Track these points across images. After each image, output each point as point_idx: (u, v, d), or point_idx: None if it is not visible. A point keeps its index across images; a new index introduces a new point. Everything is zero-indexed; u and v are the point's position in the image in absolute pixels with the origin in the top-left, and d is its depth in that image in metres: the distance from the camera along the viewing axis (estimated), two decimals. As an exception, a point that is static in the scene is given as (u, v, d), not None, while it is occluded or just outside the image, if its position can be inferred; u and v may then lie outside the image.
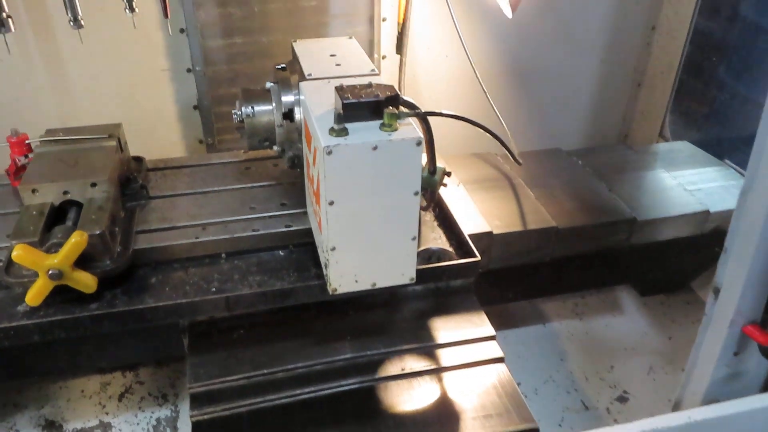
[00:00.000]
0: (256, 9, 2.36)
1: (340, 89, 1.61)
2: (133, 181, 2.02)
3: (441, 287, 2.03)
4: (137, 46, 2.44)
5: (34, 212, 1.74)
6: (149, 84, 2.53)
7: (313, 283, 1.79)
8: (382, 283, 1.72)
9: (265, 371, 1.75)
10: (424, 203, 1.96)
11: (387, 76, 2.73)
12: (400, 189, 1.57)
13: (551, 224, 2.23)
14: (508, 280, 2.38)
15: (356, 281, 1.69)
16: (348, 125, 1.54)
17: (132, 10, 2.08)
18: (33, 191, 1.77)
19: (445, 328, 1.92)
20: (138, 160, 2.23)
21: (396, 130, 1.54)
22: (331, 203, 1.54)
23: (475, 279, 2.04)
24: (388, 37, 2.67)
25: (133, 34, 2.30)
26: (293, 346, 1.84)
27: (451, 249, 2.01)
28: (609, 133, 3.48)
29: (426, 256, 2.01)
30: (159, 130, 2.66)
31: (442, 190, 2.19)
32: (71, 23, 1.98)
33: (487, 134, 2.01)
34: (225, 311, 1.76)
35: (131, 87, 2.53)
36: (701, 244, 2.47)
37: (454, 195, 2.29)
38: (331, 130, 1.51)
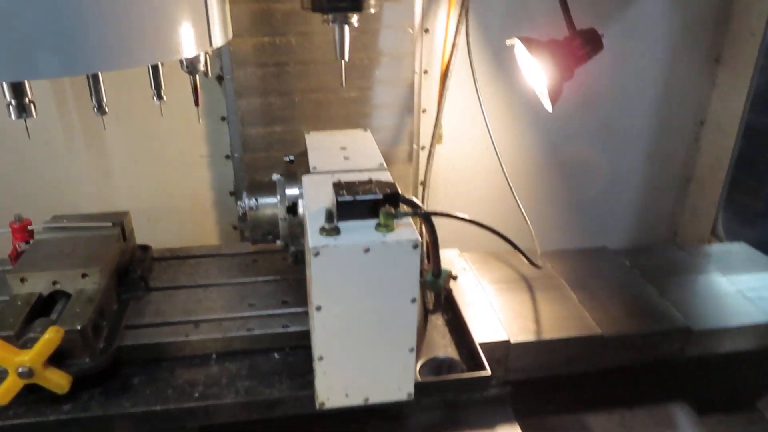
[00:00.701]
0: (297, 99, 2.39)
1: (337, 185, 1.52)
2: (132, 271, 1.95)
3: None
4: (178, 133, 2.47)
5: (19, 302, 1.67)
6: (187, 169, 2.55)
7: (303, 393, 1.62)
8: (376, 398, 1.54)
9: None
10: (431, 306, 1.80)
11: (424, 167, 2.65)
12: (396, 295, 1.43)
13: (596, 331, 2.00)
14: (549, 391, 2.13)
15: (347, 395, 1.52)
16: (342, 224, 1.43)
17: (160, 98, 2.07)
18: (22, 280, 1.71)
19: None
20: (144, 248, 2.18)
21: (392, 230, 1.42)
22: (318, 309, 1.41)
23: (510, 389, 1.83)
24: (428, 128, 2.61)
25: (175, 121, 2.35)
26: None
27: (460, 359, 1.82)
28: (657, 231, 3.27)
29: (434, 365, 1.82)
30: (195, 215, 2.64)
31: (459, 293, 2.04)
32: (95, 110, 1.98)
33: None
34: (204, 421, 1.60)
35: (170, 172, 2.54)
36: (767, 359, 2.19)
37: (472, 297, 2.12)
38: (322, 229, 1.41)
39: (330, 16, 1.73)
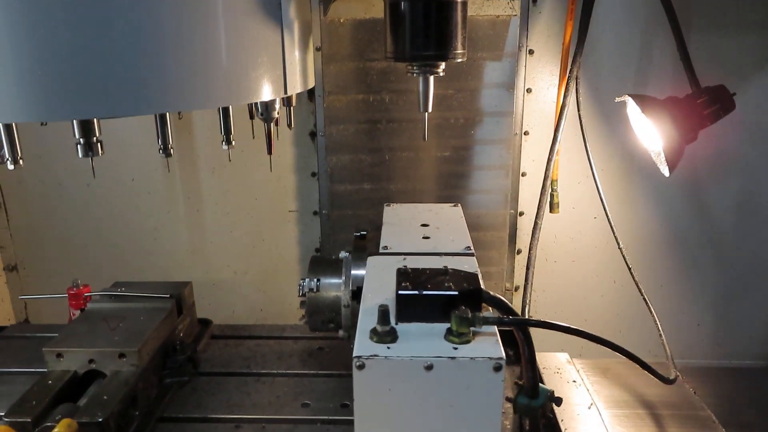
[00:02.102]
0: (387, 157, 2.30)
1: (402, 273, 1.20)
2: (181, 351, 1.73)
3: None
4: (269, 188, 2.49)
5: (50, 381, 1.49)
6: (276, 223, 2.55)
7: None
8: None
9: None
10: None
11: (522, 235, 2.40)
12: (470, 430, 1.05)
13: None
14: None
15: None
16: (401, 327, 1.10)
17: (229, 143, 1.93)
18: (58, 356, 1.54)
19: None
20: (205, 323, 1.97)
21: (468, 342, 1.06)
22: (363, 438, 1.06)
23: None
24: (528, 192, 2.38)
25: (267, 177, 2.42)
26: None
27: None
28: None
29: None
30: (280, 269, 2.60)
31: (566, 416, 1.60)
32: (160, 151, 1.86)
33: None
34: None
35: (258, 224, 2.55)
36: None
37: (584, 426, 1.65)
38: (373, 332, 1.08)
39: (414, 66, 1.47)
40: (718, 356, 2.49)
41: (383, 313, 1.07)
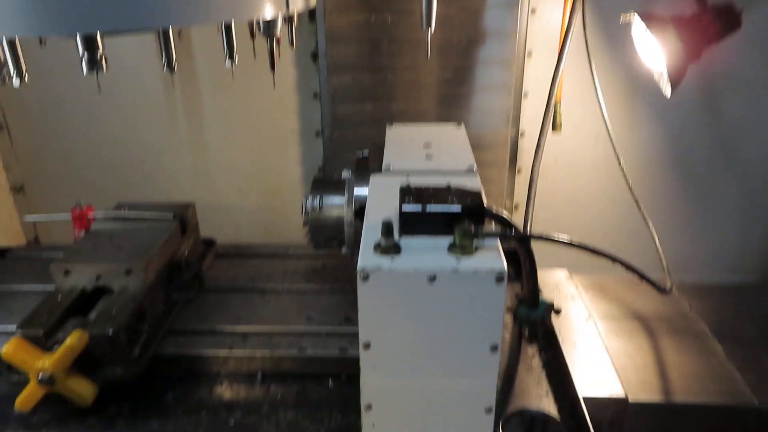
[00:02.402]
0: (389, 77, 2.27)
1: (405, 190, 1.20)
2: (186, 268, 1.75)
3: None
4: (271, 107, 2.49)
5: (59, 297, 1.53)
6: (278, 143, 2.56)
7: (353, 440, 1.33)
8: (440, 464, 1.20)
9: None
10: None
11: (523, 155, 2.43)
12: (471, 341, 1.08)
13: (749, 401, 1.52)
14: None
15: (401, 456, 1.19)
16: (405, 241, 1.11)
17: (231, 58, 1.88)
18: (66, 272, 1.57)
19: None
20: (209, 243, 2.00)
21: (471, 254, 1.07)
22: (367, 346, 1.10)
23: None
24: (530, 113, 2.38)
25: (269, 96, 2.43)
26: None
27: (558, 415, 1.43)
28: None
29: (523, 421, 1.44)
30: (283, 189, 2.64)
31: (564, 327, 1.65)
32: (165, 67, 1.82)
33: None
34: (232, 459, 1.35)
35: (261, 144, 2.57)
36: None
37: (581, 336, 1.70)
38: (377, 246, 1.09)
39: (417, -22, 1.41)
40: (712, 271, 2.55)
41: (387, 227, 1.08)
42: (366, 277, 1.04)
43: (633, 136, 2.39)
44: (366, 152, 1.65)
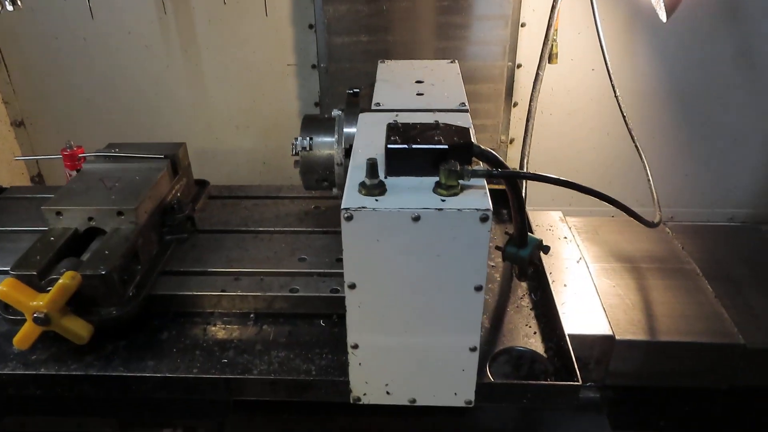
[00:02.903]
0: (385, 7, 2.21)
1: (392, 128, 1.17)
2: (178, 210, 1.75)
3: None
4: (267, 40, 2.45)
5: (52, 238, 1.53)
6: (275, 78, 2.53)
7: (341, 378, 1.35)
8: (425, 400, 1.23)
9: None
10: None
11: (519, 87, 2.38)
12: (455, 281, 1.08)
13: (735, 340, 1.54)
14: (663, 405, 1.71)
15: (388, 393, 1.22)
16: (390, 180, 1.10)
17: None
18: (57, 213, 1.57)
19: None
20: (202, 184, 1.99)
21: (456, 194, 1.06)
22: (352, 287, 1.10)
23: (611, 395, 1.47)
24: (527, 44, 2.33)
25: (264, 28, 2.40)
26: None
27: (546, 355, 1.45)
28: None
29: (510, 359, 1.47)
30: (281, 124, 2.63)
31: (555, 268, 1.65)
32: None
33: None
34: (226, 396, 1.39)
35: (258, 79, 2.54)
36: None
37: (572, 275, 1.71)
38: (362, 185, 1.08)
39: None
40: (702, 205, 2.55)
41: (371, 167, 1.07)
42: (350, 218, 1.04)
43: (629, 68, 2.34)
44: (356, 89, 1.60)
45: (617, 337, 1.53)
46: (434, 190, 1.07)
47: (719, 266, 1.76)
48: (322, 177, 1.59)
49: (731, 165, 2.56)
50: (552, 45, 2.14)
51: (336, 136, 1.53)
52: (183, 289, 1.55)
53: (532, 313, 1.56)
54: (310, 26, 2.38)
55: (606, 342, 1.54)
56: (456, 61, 1.72)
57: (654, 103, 2.41)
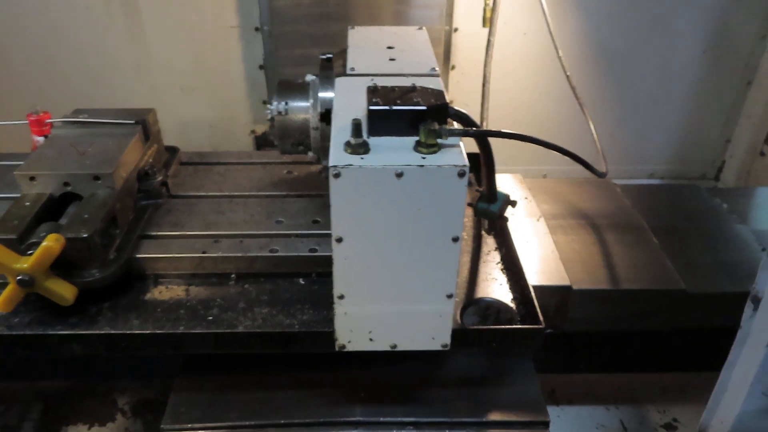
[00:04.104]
0: None
1: (372, 91, 1.24)
2: (152, 175, 1.77)
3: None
4: (209, 1, 2.46)
5: (27, 203, 1.53)
6: (218, 40, 2.55)
7: (325, 330, 1.43)
8: (406, 345, 1.33)
9: (253, 422, 1.46)
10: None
11: (459, 53, 2.50)
12: (435, 232, 1.17)
13: (678, 285, 1.68)
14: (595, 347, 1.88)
15: (371, 339, 1.32)
16: (373, 140, 1.17)
17: None
18: (31, 179, 1.57)
19: (484, 401, 1.53)
20: (172, 150, 2.00)
21: (435, 152, 1.14)
22: (339, 240, 1.18)
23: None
24: (463, 9, 2.46)
25: None
26: (294, 396, 1.54)
27: (512, 304, 1.57)
28: (708, 135, 2.96)
29: (480, 308, 1.58)
30: (226, 88, 2.66)
31: (517, 227, 1.76)
32: None
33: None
34: (213, 349, 1.45)
35: (202, 41, 2.55)
36: None
37: (532, 232, 1.83)
38: (347, 144, 1.14)
39: None
40: (625, 162, 2.74)
41: (356, 127, 1.13)
42: (338, 175, 1.10)
43: (561, 33, 2.46)
44: (329, 54, 1.65)
45: (574, 287, 1.67)
46: (415, 149, 1.15)
47: (668, 224, 1.92)
48: (298, 141, 1.64)
49: (650, 124, 2.77)
50: (484, 9, 2.24)
51: (311, 101, 1.58)
52: (164, 252, 1.59)
53: (498, 267, 1.68)
54: None
55: (564, 292, 1.67)
56: (423, 27, 1.79)
57: (581, 65, 2.56)
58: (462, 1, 2.39)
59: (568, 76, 2.11)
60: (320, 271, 1.60)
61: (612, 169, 2.69)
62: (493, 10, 2.09)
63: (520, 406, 1.53)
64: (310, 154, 1.65)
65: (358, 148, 1.13)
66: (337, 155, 1.13)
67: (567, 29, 2.46)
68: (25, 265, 1.36)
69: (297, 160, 1.98)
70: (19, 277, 1.37)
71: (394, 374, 1.61)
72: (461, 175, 1.11)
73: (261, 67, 2.58)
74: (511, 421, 1.51)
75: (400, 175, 1.10)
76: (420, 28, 1.78)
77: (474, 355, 1.68)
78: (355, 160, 1.11)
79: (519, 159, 2.47)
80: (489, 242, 1.77)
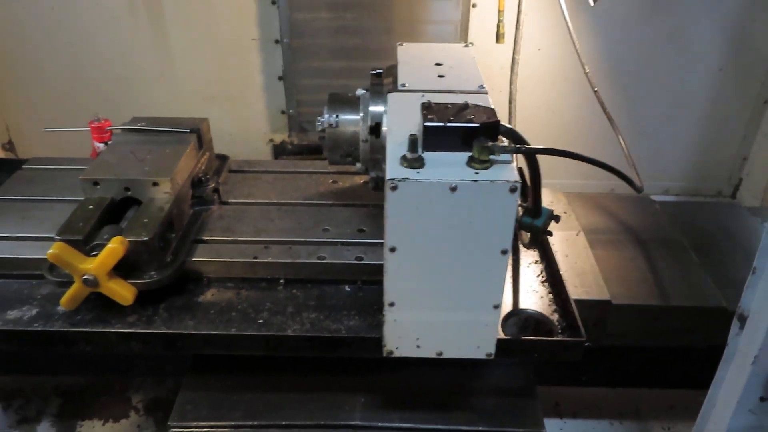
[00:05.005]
0: None
1: (426, 107, 1.29)
2: (205, 182, 1.85)
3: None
4: (231, 14, 2.55)
5: (90, 206, 1.62)
6: (240, 52, 2.64)
7: (372, 336, 1.48)
8: (451, 353, 1.37)
9: (256, 422, 1.55)
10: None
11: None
12: (485, 244, 1.22)
13: (719, 303, 1.70)
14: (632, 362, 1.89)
15: (418, 346, 1.36)
16: (427, 155, 1.22)
17: None
18: (94, 183, 1.65)
19: (481, 409, 1.58)
20: (222, 158, 2.08)
21: (487, 168, 1.19)
22: (393, 250, 1.23)
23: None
24: (478, 24, 2.51)
25: (229, 2, 2.51)
26: (296, 399, 1.61)
27: (553, 317, 1.60)
28: (725, 152, 2.93)
29: (519, 319, 1.62)
30: (246, 98, 2.75)
31: (557, 240, 1.79)
32: None
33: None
34: (264, 351, 1.51)
35: (223, 52, 2.65)
36: None
37: (571, 246, 1.86)
38: (403, 158, 1.20)
39: None
40: (641, 178, 2.76)
41: (413, 142, 1.19)
42: (395, 188, 1.16)
43: (566, 48, 2.45)
44: (380, 70, 1.71)
45: (614, 302, 1.69)
46: (468, 164, 1.20)
47: (708, 242, 1.93)
48: (347, 152, 1.70)
49: (665, 140, 2.76)
50: (498, 25, 2.28)
51: (361, 114, 1.64)
52: (217, 256, 1.66)
53: (538, 280, 1.71)
54: (273, 2, 2.49)
55: (603, 306, 1.69)
56: (470, 45, 1.84)
57: (595, 81, 2.57)
58: (476, 17, 2.44)
59: (596, 92, 2.13)
60: (365, 279, 1.65)
61: (600, 184, 2.69)
62: (517, 28, 2.12)
63: (515, 415, 1.56)
64: (358, 165, 1.71)
65: (414, 162, 1.18)
66: (393, 169, 1.18)
67: (580, 45, 2.47)
68: (91, 266, 1.45)
69: (341, 170, 2.05)
70: (84, 277, 1.45)
71: (393, 381, 1.65)
72: (513, 190, 1.15)
73: (280, 78, 2.67)
74: (507, 430, 1.54)
75: (454, 189, 1.15)
76: (466, 46, 1.83)
77: (471, 364, 1.69)
78: (411, 173, 1.16)
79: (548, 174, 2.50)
80: (528, 255, 1.80)
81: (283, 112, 2.78)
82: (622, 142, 2.07)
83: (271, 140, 2.82)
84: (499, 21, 2.25)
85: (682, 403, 2.18)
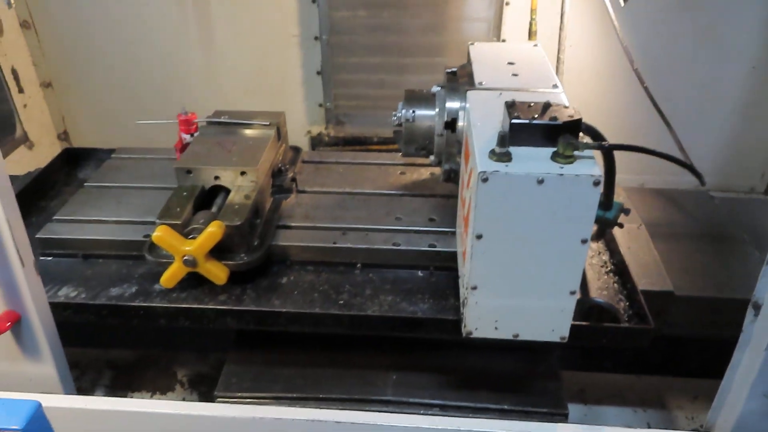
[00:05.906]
0: None
1: (510, 105, 1.37)
2: (284, 172, 1.96)
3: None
4: (273, 12, 2.68)
5: (184, 193, 1.75)
6: (281, 47, 2.76)
7: (447, 317, 1.58)
8: (527, 335, 1.46)
9: (295, 395, 1.65)
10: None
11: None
12: (566, 234, 1.30)
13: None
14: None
15: (496, 328, 1.45)
16: (513, 149, 1.30)
17: None
18: (187, 172, 1.78)
19: (508, 390, 1.66)
20: (296, 150, 2.19)
21: (571, 163, 1.27)
22: (479, 237, 1.32)
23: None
24: (511, 21, 2.55)
25: (271, 1, 2.64)
26: (332, 374, 1.71)
27: (617, 306, 1.68)
28: (757, 149, 2.90)
29: (584, 308, 1.69)
30: (286, 91, 2.88)
31: (619, 233, 1.86)
32: None
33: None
34: (346, 329, 1.62)
35: (265, 48, 2.77)
36: None
37: (634, 239, 1.93)
38: (492, 153, 1.28)
39: None
40: (669, 172, 2.73)
41: (502, 138, 1.27)
42: (485, 179, 1.24)
43: (604, 45, 2.54)
44: (454, 69, 1.80)
45: (676, 293, 1.75)
46: (552, 159, 1.28)
47: (762, 234, 1.98)
48: (421, 146, 1.79)
49: (696, 136, 2.75)
50: (531, 23, 2.33)
51: (437, 110, 1.73)
52: (299, 240, 1.77)
53: (605, 270, 1.79)
54: (313, 0, 2.61)
55: (666, 297, 1.76)
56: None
57: (625, 78, 2.58)
58: (510, 15, 2.49)
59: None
60: (437, 265, 1.75)
61: (656, 179, 2.72)
62: (561, 28, 2.17)
63: (541, 397, 1.64)
64: (432, 158, 1.80)
65: (503, 156, 1.27)
66: (483, 162, 1.27)
67: (609, 42, 2.50)
68: (191, 247, 1.57)
69: (408, 162, 2.14)
70: (185, 258, 1.58)
71: (422, 361, 1.74)
72: (596, 184, 1.23)
73: (318, 73, 2.78)
74: (532, 410, 1.61)
75: (541, 181, 1.24)
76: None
77: (500, 347, 1.76)
78: (500, 167, 1.25)
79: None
80: (593, 247, 1.88)
81: (320, 105, 2.90)
82: (674, 133, 2.12)
83: (309, 132, 2.94)
84: (532, 19, 2.31)
85: (707, 394, 2.21)
